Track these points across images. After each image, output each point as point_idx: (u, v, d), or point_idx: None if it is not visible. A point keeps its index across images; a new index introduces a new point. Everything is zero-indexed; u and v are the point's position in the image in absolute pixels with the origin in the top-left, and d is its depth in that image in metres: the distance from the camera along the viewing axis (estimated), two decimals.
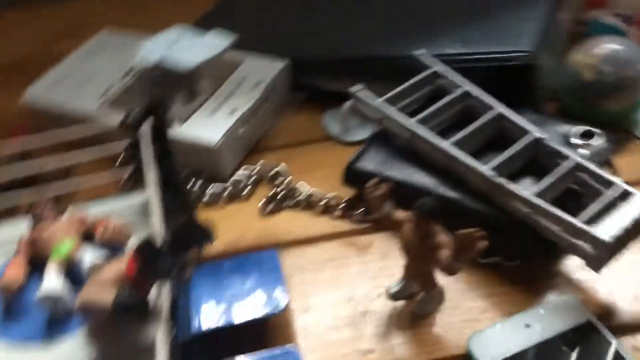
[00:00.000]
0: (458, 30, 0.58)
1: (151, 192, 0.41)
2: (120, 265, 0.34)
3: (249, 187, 0.55)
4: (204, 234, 0.34)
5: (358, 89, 0.52)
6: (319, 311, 0.44)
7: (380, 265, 0.47)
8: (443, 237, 0.38)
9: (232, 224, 0.51)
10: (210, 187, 0.55)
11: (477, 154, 0.46)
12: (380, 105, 0.50)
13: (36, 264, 0.40)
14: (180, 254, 0.33)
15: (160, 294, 0.34)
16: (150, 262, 0.32)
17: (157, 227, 0.41)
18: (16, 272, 0.39)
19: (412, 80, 0.52)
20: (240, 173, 0.56)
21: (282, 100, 0.63)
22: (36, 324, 0.38)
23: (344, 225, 0.51)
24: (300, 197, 0.53)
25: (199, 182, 0.55)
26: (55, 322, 0.38)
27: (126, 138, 0.42)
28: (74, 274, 0.40)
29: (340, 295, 0.45)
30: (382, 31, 0.61)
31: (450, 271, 0.38)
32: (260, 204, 0.53)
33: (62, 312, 0.38)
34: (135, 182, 0.57)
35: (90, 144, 0.46)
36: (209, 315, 0.40)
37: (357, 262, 0.47)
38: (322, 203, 0.52)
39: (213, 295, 0.42)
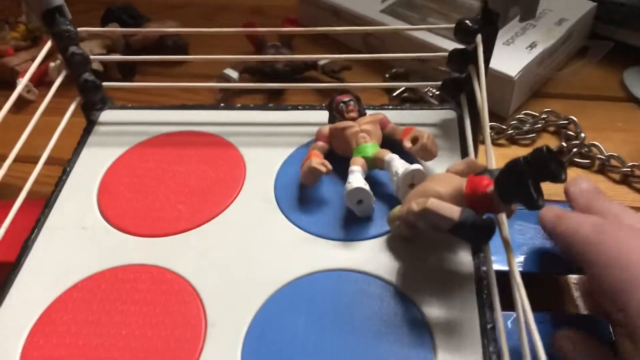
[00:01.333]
0: None
1: (475, 111, 0.36)
2: (459, 181, 0.31)
3: (533, 133, 0.49)
4: (560, 168, 0.28)
5: None
6: None
7: None
8: None
9: None
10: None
11: None
12: None
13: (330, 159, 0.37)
14: (536, 181, 0.28)
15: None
16: (514, 185, 0.27)
17: (470, 152, 0.37)
18: (322, 159, 0.37)
19: None
20: (523, 116, 0.50)
21: (579, 46, 0.55)
22: (330, 220, 0.35)
23: None
24: (597, 158, 0.46)
25: None
26: (350, 223, 0.35)
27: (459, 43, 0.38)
28: (370, 178, 0.37)
29: None
30: None
31: None
32: None
33: (363, 213, 0.35)
34: (407, 96, 0.54)
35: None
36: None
37: None
38: (624, 169, 0.45)
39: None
